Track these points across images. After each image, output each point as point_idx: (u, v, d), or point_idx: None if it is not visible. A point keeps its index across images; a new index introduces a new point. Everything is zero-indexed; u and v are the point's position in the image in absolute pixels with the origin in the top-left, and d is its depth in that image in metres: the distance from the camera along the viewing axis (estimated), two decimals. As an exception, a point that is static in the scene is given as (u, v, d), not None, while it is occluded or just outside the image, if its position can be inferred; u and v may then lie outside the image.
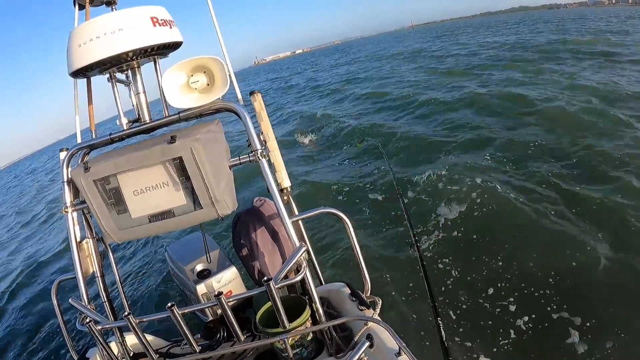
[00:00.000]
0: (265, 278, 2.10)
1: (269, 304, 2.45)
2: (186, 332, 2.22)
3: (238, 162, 2.37)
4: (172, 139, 2.11)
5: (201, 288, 2.70)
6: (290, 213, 2.59)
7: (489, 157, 8.65)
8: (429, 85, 19.10)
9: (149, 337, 2.89)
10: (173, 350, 2.86)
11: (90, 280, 2.58)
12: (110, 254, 2.75)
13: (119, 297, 2.91)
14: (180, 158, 2.10)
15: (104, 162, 2.17)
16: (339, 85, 26.52)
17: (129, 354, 2.60)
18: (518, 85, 15.28)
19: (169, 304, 2.14)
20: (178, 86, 2.34)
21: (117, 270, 2.83)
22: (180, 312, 2.16)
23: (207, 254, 2.88)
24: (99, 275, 2.57)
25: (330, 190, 9.12)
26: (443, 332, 2.32)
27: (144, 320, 2.31)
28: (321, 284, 3.01)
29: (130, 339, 2.68)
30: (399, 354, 2.07)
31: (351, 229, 2.49)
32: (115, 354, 2.67)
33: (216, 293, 2.13)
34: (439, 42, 48.51)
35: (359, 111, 17.05)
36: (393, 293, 5.10)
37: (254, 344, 2.34)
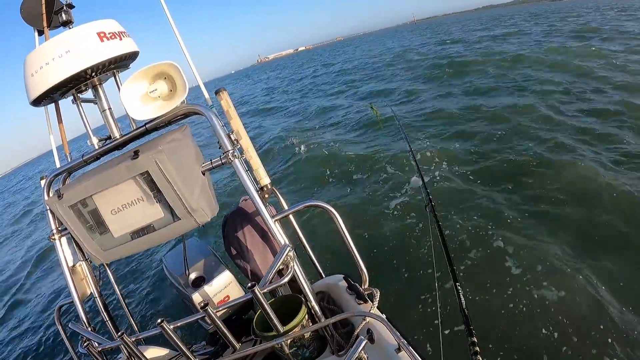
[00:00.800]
0: (249, 285, 2.04)
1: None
2: (180, 346, 2.20)
3: (210, 166, 2.29)
4: (135, 154, 2.06)
5: (196, 297, 2.67)
6: (279, 209, 2.54)
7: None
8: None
9: (157, 349, 2.88)
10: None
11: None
12: (108, 271, 2.75)
13: (125, 313, 2.91)
14: (148, 172, 2.05)
15: (75, 187, 2.15)
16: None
17: None
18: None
19: (159, 320, 2.12)
20: (138, 97, 2.26)
21: (117, 286, 2.83)
22: (171, 327, 2.14)
23: (186, 267, 2.87)
24: (96, 295, 2.57)
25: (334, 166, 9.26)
26: (463, 299, 2.22)
27: (140, 337, 2.32)
28: (321, 277, 2.95)
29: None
30: (398, 349, 2.01)
31: (340, 221, 2.40)
32: None
33: (202, 304, 2.09)
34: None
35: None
36: (393, 284, 5.06)
37: (252, 350, 2.30)
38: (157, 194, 2.12)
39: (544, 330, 3.88)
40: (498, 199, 6.24)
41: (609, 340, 3.62)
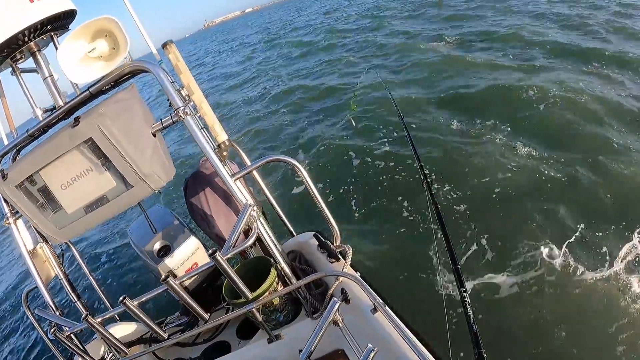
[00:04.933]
0: (209, 252, 1.95)
1: (235, 270, 2.37)
2: (146, 321, 2.14)
3: (161, 126, 2.19)
4: (76, 121, 1.95)
5: (163, 267, 2.61)
6: (240, 166, 2.47)
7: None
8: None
9: (129, 325, 2.84)
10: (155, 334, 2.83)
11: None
12: (73, 249, 2.69)
13: (96, 293, 2.88)
14: (91, 139, 1.95)
15: (19, 165, 2.05)
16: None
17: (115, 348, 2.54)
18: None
19: (121, 298, 2.04)
20: (78, 59, 2.14)
21: (83, 264, 2.78)
22: (135, 303, 2.07)
23: (152, 227, 2.84)
24: (61, 276, 2.50)
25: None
26: (470, 311, 1.93)
27: (106, 317, 2.24)
28: (292, 235, 2.90)
29: (117, 331, 2.67)
30: (374, 309, 1.96)
31: (305, 175, 2.30)
32: (101, 352, 2.65)
33: (164, 277, 2.00)
34: None
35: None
36: (366, 240, 4.94)
37: (223, 319, 2.24)
38: (105, 161, 2.02)
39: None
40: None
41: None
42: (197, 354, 2.74)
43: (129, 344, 2.58)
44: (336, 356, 2.30)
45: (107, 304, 2.88)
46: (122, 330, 2.77)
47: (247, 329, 2.72)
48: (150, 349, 2.41)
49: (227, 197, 2.63)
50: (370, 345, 1.60)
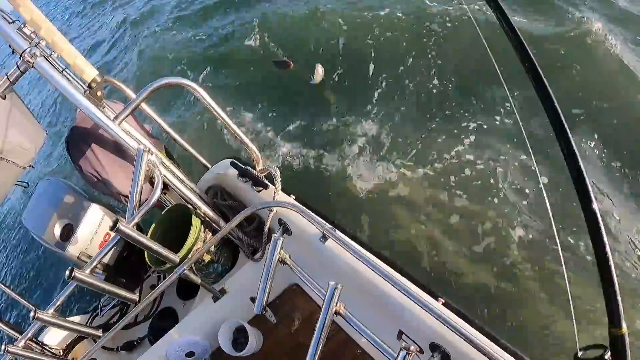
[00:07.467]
0: (110, 224, 1.60)
1: (154, 230, 2.07)
2: (72, 327, 1.95)
3: (8, 82, 1.73)
4: None
5: (71, 253, 2.30)
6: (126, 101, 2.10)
7: None
8: None
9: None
10: (95, 322, 2.64)
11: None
12: None
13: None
14: None
15: None
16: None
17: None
18: None
19: (33, 312, 1.78)
20: None
21: None
22: (51, 311, 1.84)
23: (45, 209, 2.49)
24: None
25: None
26: None
27: (27, 339, 1.99)
28: (207, 169, 2.58)
29: (53, 337, 2.48)
30: (324, 237, 1.75)
31: (206, 96, 1.96)
32: None
33: (68, 272, 1.68)
34: None
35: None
36: (294, 156, 4.57)
37: (155, 293, 1.90)
38: None
39: None
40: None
41: None
42: (144, 331, 2.50)
43: (72, 345, 2.43)
44: (292, 294, 2.09)
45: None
46: (60, 333, 2.51)
47: (187, 288, 2.49)
48: (94, 348, 2.12)
49: (119, 148, 2.25)
50: (332, 283, 1.39)
